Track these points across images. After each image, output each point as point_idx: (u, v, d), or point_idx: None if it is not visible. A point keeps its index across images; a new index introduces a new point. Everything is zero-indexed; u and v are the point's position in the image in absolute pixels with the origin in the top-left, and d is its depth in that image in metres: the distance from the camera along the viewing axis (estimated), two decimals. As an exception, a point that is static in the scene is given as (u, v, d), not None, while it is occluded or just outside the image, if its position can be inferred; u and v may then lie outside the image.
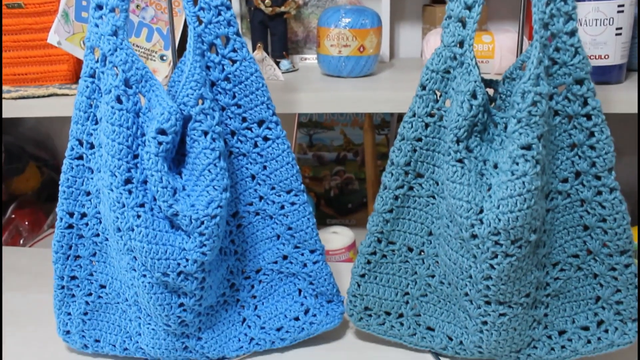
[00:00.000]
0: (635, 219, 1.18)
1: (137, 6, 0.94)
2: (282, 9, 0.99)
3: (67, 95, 0.92)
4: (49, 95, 0.92)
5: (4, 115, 0.91)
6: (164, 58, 0.96)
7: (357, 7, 0.94)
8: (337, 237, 1.07)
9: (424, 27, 1.11)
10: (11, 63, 0.96)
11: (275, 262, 0.77)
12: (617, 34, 0.84)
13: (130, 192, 0.66)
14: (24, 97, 0.91)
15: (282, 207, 0.74)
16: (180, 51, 0.91)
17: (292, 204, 0.74)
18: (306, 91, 0.85)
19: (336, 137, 1.22)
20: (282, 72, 0.99)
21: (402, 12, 1.17)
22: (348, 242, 1.07)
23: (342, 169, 1.23)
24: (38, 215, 1.28)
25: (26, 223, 1.24)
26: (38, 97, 0.91)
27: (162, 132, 0.64)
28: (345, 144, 1.22)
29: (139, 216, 0.66)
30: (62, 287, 0.77)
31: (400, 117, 1.18)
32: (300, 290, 0.79)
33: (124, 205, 0.66)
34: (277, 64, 1.01)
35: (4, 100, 0.90)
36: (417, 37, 1.18)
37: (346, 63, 0.93)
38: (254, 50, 0.98)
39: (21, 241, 1.23)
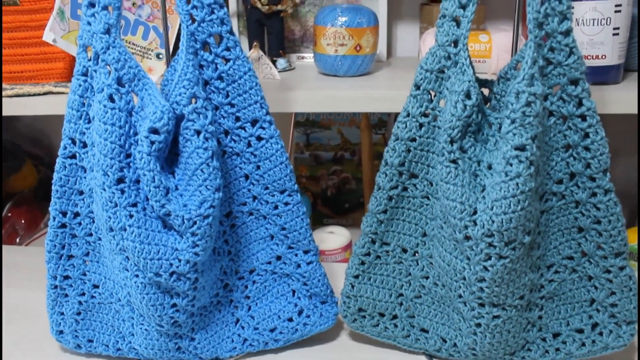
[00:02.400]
0: (633, 219, 1.18)
1: (134, 4, 0.94)
2: (279, 7, 0.98)
3: (63, 93, 0.92)
4: (44, 94, 0.92)
5: (-1, 114, 0.91)
6: (160, 56, 0.95)
7: (353, 5, 0.94)
8: (334, 237, 1.07)
9: (422, 26, 1.10)
10: (7, 61, 0.95)
11: (269, 263, 0.77)
12: (614, 34, 0.83)
13: (122, 191, 0.65)
14: (19, 95, 0.91)
15: (276, 207, 0.74)
16: (175, 49, 0.91)
17: (286, 204, 0.74)
18: (302, 90, 0.85)
19: (333, 137, 1.21)
20: (279, 71, 0.99)
21: (400, 11, 1.16)
22: (344, 242, 1.06)
23: (339, 169, 1.22)
24: (34, 214, 1.28)
25: (22, 221, 1.24)
26: (34, 95, 0.91)
27: (154, 131, 0.64)
28: (342, 143, 1.21)
29: (131, 216, 0.65)
30: (55, 287, 0.76)
31: (397, 116, 1.18)
32: (294, 291, 0.78)
33: (116, 205, 0.65)
34: (274, 62, 1.01)
35: (-2, 99, 0.90)
36: (415, 36, 1.17)
37: (343, 62, 0.93)
38: (250, 48, 0.98)
39: (18, 239, 1.23)
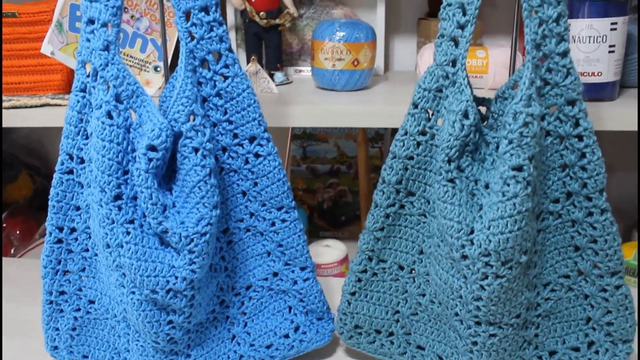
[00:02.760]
0: (628, 234, 1.18)
1: (132, 17, 0.94)
2: (277, 21, 0.99)
3: (60, 105, 0.92)
4: (41, 105, 0.91)
5: (-4, 126, 0.91)
6: (158, 69, 0.95)
7: (351, 20, 0.94)
8: (330, 250, 1.07)
9: (419, 40, 1.11)
10: (4, 72, 0.96)
11: (266, 279, 0.77)
12: (610, 52, 0.84)
13: (120, 208, 0.65)
14: (16, 107, 0.91)
15: (273, 224, 0.74)
16: (173, 62, 0.91)
17: (283, 220, 0.74)
18: (300, 105, 0.85)
19: (330, 150, 1.22)
20: (276, 85, 0.99)
21: (397, 25, 1.17)
22: (341, 255, 1.06)
23: (335, 182, 1.22)
24: (30, 224, 1.27)
25: (17, 232, 1.23)
26: (31, 107, 0.91)
27: (152, 148, 0.64)
28: (339, 156, 1.22)
29: (128, 233, 0.65)
30: (51, 302, 0.76)
31: (394, 130, 1.18)
32: (290, 308, 0.78)
33: (113, 222, 0.65)
34: (271, 76, 1.01)
35: (-5, 111, 0.90)
36: (412, 50, 1.18)
37: (340, 77, 0.93)
38: (248, 62, 0.98)
39: (12, 250, 1.22)
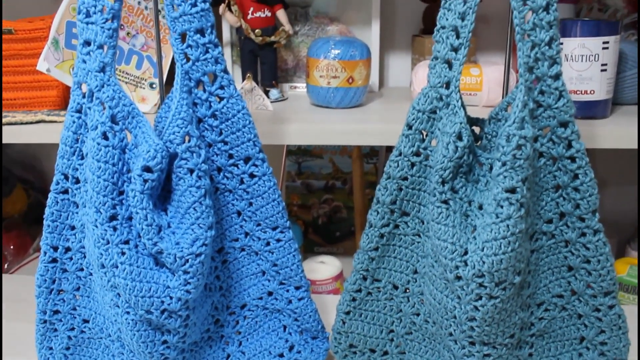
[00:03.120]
0: (622, 250, 1.19)
1: (128, 34, 0.94)
2: (272, 38, 0.99)
3: (56, 122, 0.92)
4: (37, 122, 0.92)
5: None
6: (154, 86, 0.96)
7: (346, 38, 0.95)
8: (325, 267, 1.07)
9: (413, 57, 1.11)
10: (-1, 88, 0.96)
11: (260, 298, 0.77)
12: (602, 70, 0.85)
13: (115, 228, 0.65)
14: (11, 124, 0.91)
15: (268, 244, 0.74)
16: (169, 78, 0.92)
17: (278, 240, 0.74)
18: (295, 122, 0.85)
19: (325, 165, 1.22)
20: (271, 101, 0.99)
21: (392, 42, 1.18)
22: (335, 272, 1.06)
23: (330, 197, 1.23)
24: (24, 239, 1.27)
25: (11, 247, 1.23)
26: (26, 123, 0.91)
27: (147, 169, 0.64)
28: (333, 172, 1.22)
29: (123, 253, 0.65)
30: (45, 322, 0.76)
31: (389, 147, 1.19)
32: (285, 327, 0.78)
33: (108, 242, 0.65)
34: (267, 93, 1.01)
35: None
36: (407, 66, 1.18)
37: (335, 94, 0.94)
38: (243, 78, 0.99)
39: (6, 265, 1.22)
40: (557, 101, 0.65)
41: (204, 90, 0.69)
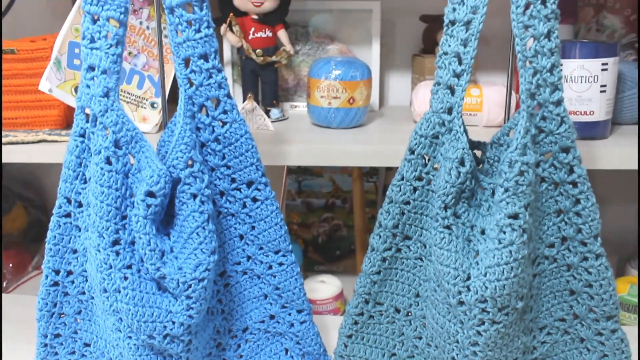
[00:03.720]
0: (622, 268, 1.19)
1: (129, 53, 0.95)
2: (273, 58, 1.00)
3: (57, 141, 0.92)
4: (38, 142, 0.92)
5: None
6: (155, 105, 0.96)
7: (347, 58, 0.95)
8: (325, 286, 1.07)
9: (414, 76, 1.12)
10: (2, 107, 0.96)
11: (262, 322, 0.77)
12: (601, 91, 0.85)
13: (117, 253, 0.65)
14: (12, 143, 0.91)
15: (270, 267, 0.74)
16: (170, 97, 0.92)
17: (280, 264, 0.74)
18: (295, 143, 0.86)
19: (325, 184, 1.22)
20: (272, 121, 1.00)
21: (392, 62, 1.18)
22: (336, 291, 1.06)
23: (330, 216, 1.23)
24: (23, 257, 1.26)
25: (10, 265, 1.22)
26: (27, 143, 0.91)
27: (151, 194, 0.64)
28: (333, 190, 1.22)
29: (125, 278, 0.65)
30: (45, 345, 0.76)
31: (388, 167, 1.19)
32: (287, 350, 0.78)
33: (111, 267, 0.65)
34: (268, 112, 1.02)
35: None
36: (407, 85, 1.19)
37: (336, 114, 0.94)
38: (244, 98, 0.99)
39: (4, 283, 1.21)
40: (558, 127, 0.66)
41: (207, 115, 0.69)
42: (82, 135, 0.69)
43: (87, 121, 0.68)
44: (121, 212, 0.66)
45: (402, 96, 1.19)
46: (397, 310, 0.75)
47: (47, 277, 0.73)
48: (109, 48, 0.65)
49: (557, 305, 0.71)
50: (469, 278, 0.65)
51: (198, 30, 0.66)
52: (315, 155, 0.85)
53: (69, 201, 0.71)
